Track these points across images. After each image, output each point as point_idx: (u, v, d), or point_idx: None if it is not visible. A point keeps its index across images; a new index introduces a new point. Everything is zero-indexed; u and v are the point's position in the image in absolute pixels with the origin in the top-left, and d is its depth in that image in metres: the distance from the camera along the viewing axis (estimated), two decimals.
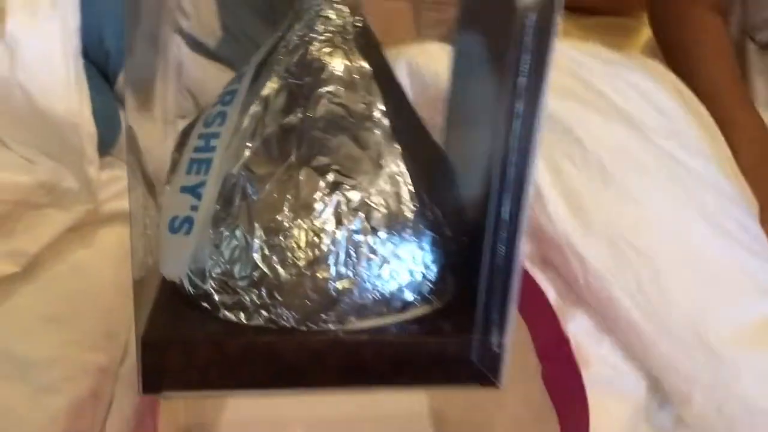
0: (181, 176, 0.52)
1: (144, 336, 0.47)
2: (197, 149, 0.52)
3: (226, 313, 0.49)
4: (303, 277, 0.47)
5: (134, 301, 0.46)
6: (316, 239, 0.47)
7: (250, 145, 0.49)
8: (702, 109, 0.91)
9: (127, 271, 0.46)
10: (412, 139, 0.52)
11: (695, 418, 0.75)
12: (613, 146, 0.80)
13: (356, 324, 0.49)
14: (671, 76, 0.92)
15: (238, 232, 0.48)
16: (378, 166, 0.49)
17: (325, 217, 0.47)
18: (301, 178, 0.48)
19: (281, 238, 0.47)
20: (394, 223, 0.49)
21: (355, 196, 0.48)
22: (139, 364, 0.47)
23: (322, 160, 0.48)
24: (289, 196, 0.48)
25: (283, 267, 0.47)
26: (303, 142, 0.49)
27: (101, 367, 0.71)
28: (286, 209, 0.47)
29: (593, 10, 1.38)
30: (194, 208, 0.49)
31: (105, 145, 0.81)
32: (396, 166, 0.50)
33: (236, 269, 0.48)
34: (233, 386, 0.49)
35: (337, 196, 0.48)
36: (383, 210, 0.49)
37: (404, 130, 0.52)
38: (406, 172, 0.50)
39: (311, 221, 0.47)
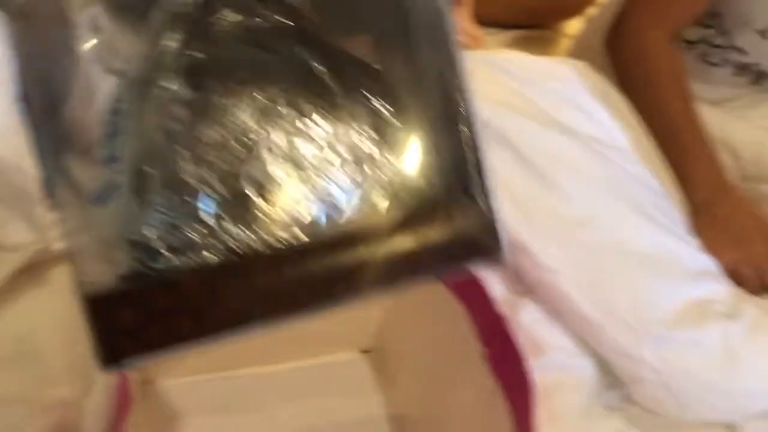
0: (101, 149, 0.48)
1: (89, 295, 0.42)
2: (109, 123, 0.48)
3: (177, 259, 0.45)
4: (242, 182, 0.45)
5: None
6: (245, 139, 0.46)
7: (162, 85, 0.47)
8: (625, 109, 0.96)
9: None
10: (329, 39, 0.50)
11: (647, 399, 0.78)
12: (548, 151, 0.85)
13: (325, 231, 0.46)
14: (597, 78, 0.96)
15: (167, 168, 0.45)
16: (300, 66, 0.48)
17: (251, 115, 0.46)
18: (220, 95, 0.46)
19: (210, 149, 0.45)
20: (330, 109, 0.47)
21: (278, 94, 0.46)
22: (92, 332, 0.42)
23: (239, 72, 0.47)
24: (211, 114, 0.46)
25: (221, 182, 0.45)
26: (215, 67, 0.47)
27: (65, 401, 0.70)
28: (210, 127, 0.46)
29: (513, 26, 1.42)
30: (119, 171, 0.46)
31: None
32: (321, 65, 0.48)
33: (173, 202, 0.45)
34: (200, 335, 0.44)
35: (260, 98, 0.46)
36: (313, 98, 0.47)
37: (320, 32, 0.49)
38: (336, 69, 0.48)
39: (236, 126, 0.46)
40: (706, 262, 0.84)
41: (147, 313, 0.43)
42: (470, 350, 0.72)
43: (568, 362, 0.79)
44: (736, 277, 0.86)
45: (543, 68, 0.93)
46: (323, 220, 0.46)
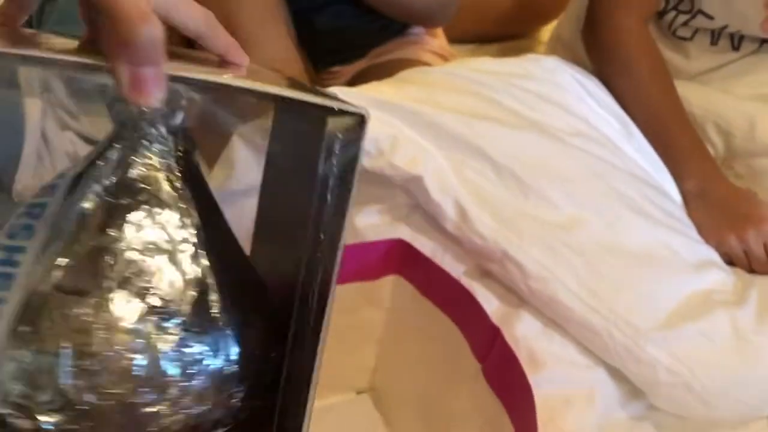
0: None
1: None
2: None
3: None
4: (112, 402, 0.44)
5: None
6: (128, 363, 0.44)
7: (62, 263, 0.45)
8: (606, 99, 0.92)
9: None
10: (226, 266, 0.50)
11: (669, 402, 0.72)
12: (525, 156, 0.81)
13: None
14: (572, 70, 0.93)
15: (44, 355, 0.43)
16: (194, 290, 0.47)
17: (140, 341, 0.45)
18: (116, 301, 0.45)
19: (92, 362, 0.44)
20: (208, 344, 0.47)
21: (171, 320, 0.46)
22: None
23: (138, 282, 0.46)
24: (103, 320, 0.44)
25: (91, 392, 0.44)
26: (120, 264, 0.46)
27: None
28: (100, 333, 0.44)
29: (491, 39, 1.41)
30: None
31: None
32: (214, 293, 0.48)
33: (40, 394, 0.43)
34: None
35: (152, 321, 0.45)
36: (197, 334, 0.46)
37: (220, 258, 0.50)
38: (220, 295, 0.48)
39: (124, 345, 0.44)
40: (705, 251, 0.80)
41: None
42: (466, 365, 0.68)
43: (575, 375, 0.72)
44: (735, 260, 0.82)
45: (511, 69, 0.90)
46: None
